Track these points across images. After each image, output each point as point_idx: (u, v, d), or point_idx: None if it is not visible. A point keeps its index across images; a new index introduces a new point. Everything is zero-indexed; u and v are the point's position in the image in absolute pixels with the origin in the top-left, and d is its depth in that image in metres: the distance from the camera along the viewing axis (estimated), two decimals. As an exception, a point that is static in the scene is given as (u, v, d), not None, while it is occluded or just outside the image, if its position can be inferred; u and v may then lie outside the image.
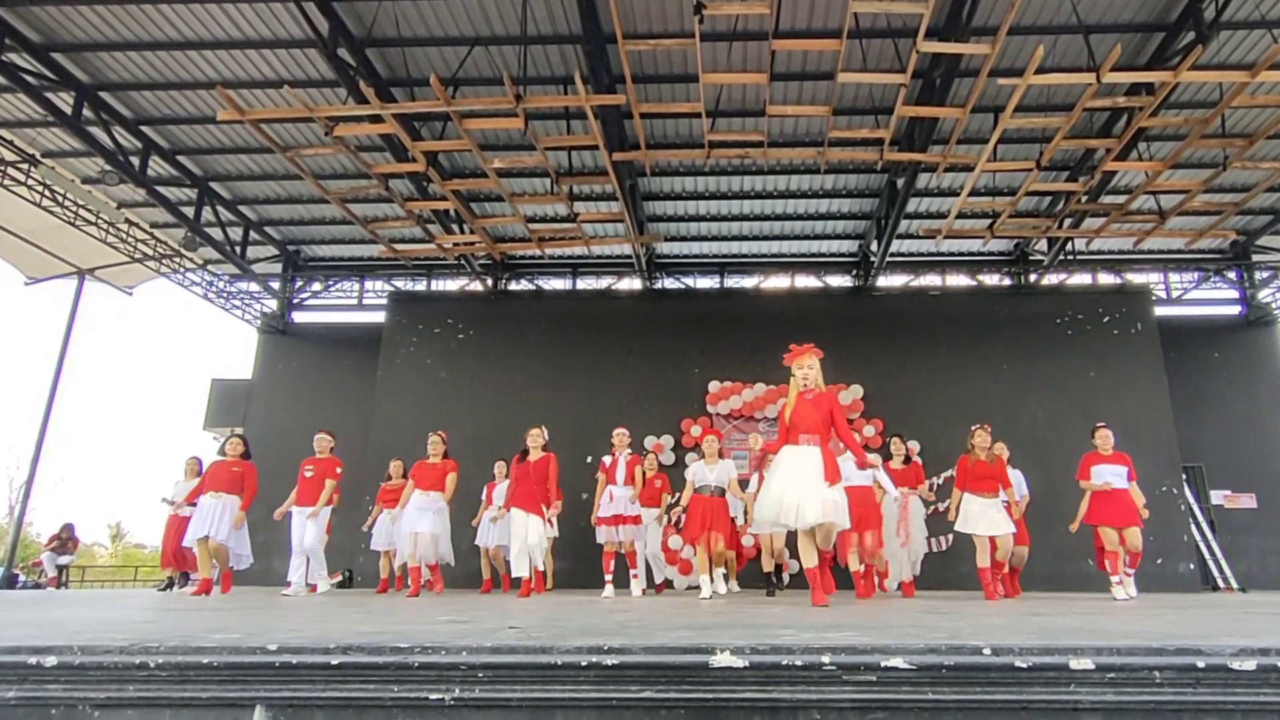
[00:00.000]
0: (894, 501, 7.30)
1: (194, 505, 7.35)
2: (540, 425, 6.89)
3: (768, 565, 7.40)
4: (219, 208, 11.57)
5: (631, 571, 7.21)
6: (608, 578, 6.88)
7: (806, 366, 4.80)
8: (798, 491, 4.45)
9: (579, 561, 10.20)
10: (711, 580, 6.50)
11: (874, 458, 6.81)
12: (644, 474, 7.55)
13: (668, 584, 9.38)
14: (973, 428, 6.83)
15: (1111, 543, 6.56)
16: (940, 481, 7.97)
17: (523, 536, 6.53)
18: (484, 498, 8.94)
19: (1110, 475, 6.68)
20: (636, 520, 7.11)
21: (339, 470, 7.62)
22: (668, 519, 8.71)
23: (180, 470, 8.83)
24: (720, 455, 6.82)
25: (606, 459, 7.27)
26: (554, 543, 8.52)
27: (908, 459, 7.94)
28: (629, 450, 7.27)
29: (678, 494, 7.64)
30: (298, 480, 7.59)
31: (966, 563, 7.61)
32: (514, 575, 6.62)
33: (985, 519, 6.50)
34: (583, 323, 12.40)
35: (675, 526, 10.01)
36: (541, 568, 6.98)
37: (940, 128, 9.33)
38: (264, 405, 13.05)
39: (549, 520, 6.77)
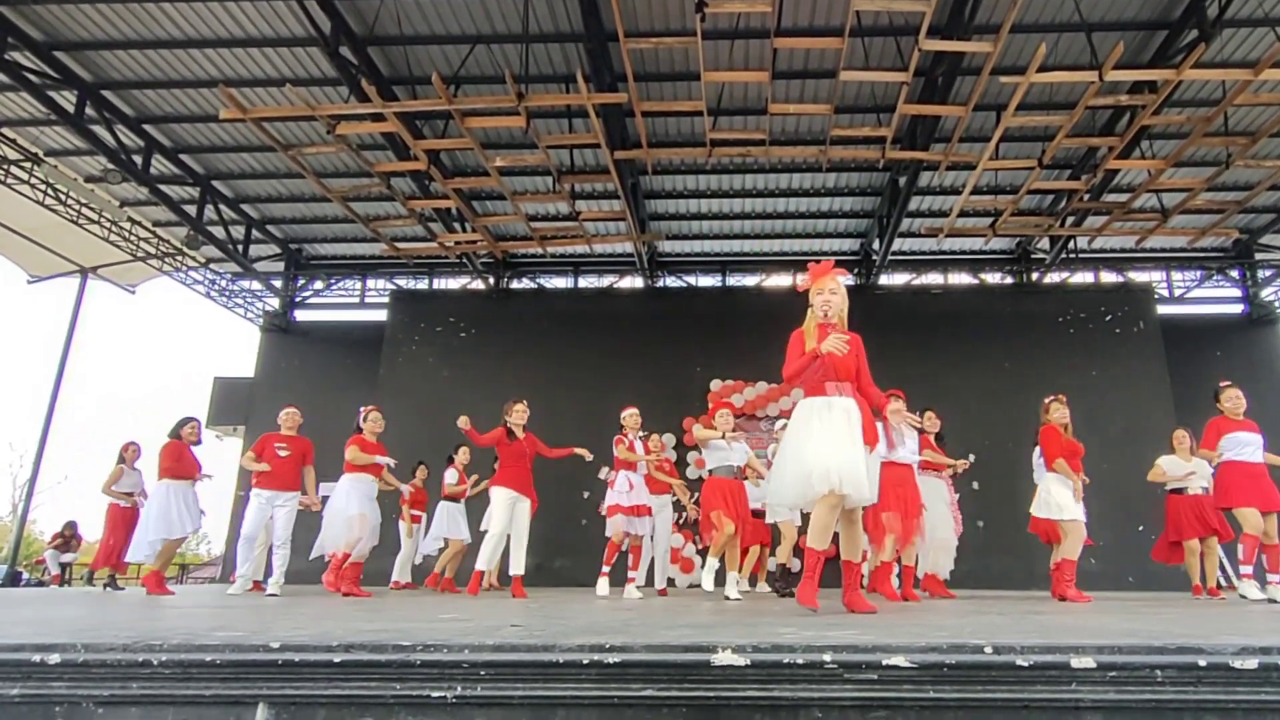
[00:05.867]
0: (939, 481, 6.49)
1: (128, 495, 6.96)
2: (522, 400, 6.44)
3: (785, 557, 6.88)
4: (221, 206, 11.58)
5: (630, 573, 6.38)
6: (605, 569, 6.31)
7: (829, 291, 3.63)
8: (843, 457, 3.33)
9: (578, 557, 10.22)
10: (718, 578, 5.74)
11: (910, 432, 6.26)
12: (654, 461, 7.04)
13: (670, 584, 8.83)
14: (1046, 400, 5.96)
15: (1256, 527, 5.50)
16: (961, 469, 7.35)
17: (524, 524, 6.17)
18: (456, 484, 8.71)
19: (1236, 447, 5.63)
20: (648, 511, 6.52)
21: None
22: (682, 514, 8.34)
23: (116, 458, 8.28)
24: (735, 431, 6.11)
25: (626, 439, 6.52)
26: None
27: (940, 437, 6.98)
28: (642, 434, 6.65)
29: (694, 494, 7.21)
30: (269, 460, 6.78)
31: (964, 560, 7.51)
32: (511, 571, 6.20)
33: (1081, 505, 5.68)
34: (584, 321, 12.40)
35: (681, 525, 9.95)
36: (522, 567, 6.20)
37: (942, 126, 9.32)
38: (266, 403, 13.04)
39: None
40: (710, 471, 5.99)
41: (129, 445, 8.37)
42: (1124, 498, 9.77)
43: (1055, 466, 5.81)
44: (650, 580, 7.77)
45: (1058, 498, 5.76)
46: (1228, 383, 5.94)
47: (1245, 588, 5.63)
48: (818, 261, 3.85)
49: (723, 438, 5.88)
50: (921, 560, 6.79)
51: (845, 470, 3.31)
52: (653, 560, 7.76)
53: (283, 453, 6.74)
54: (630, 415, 6.64)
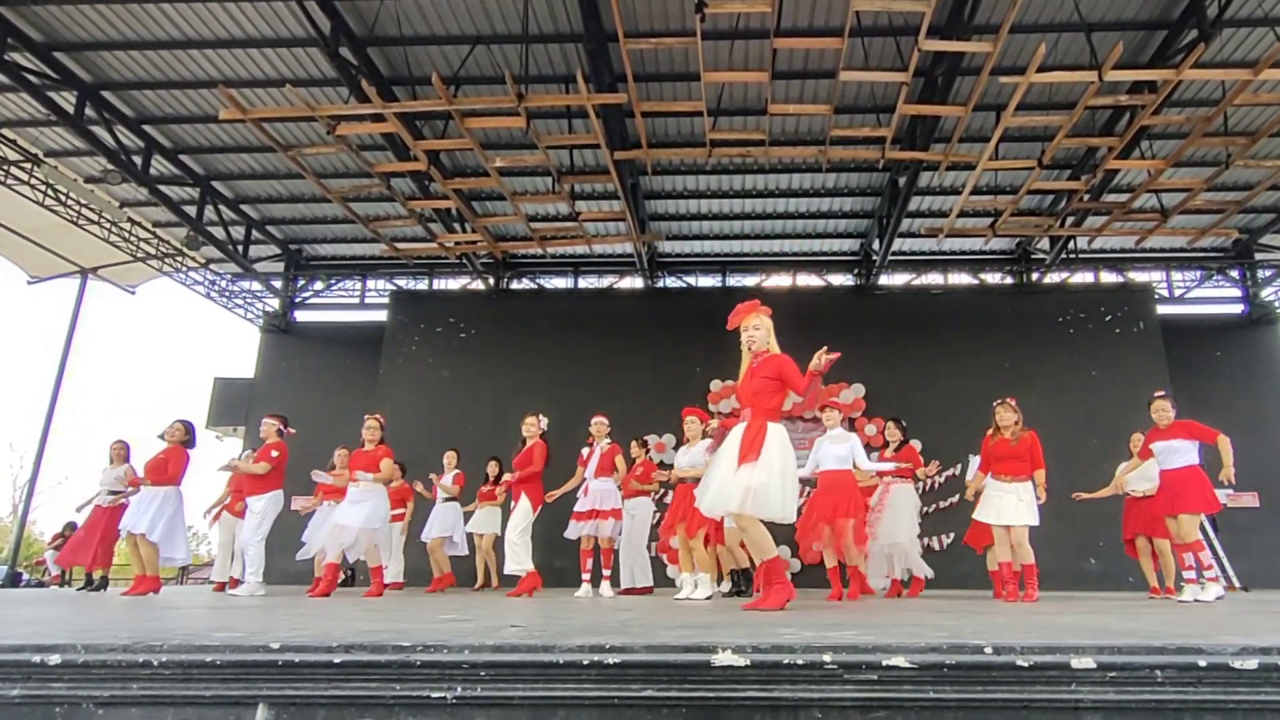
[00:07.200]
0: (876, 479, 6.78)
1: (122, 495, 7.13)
2: (536, 414, 6.53)
3: (729, 562, 6.88)
4: (221, 207, 11.58)
5: (605, 571, 6.65)
6: (584, 576, 6.61)
7: (752, 328, 4.04)
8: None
9: (578, 557, 10.20)
10: (698, 580, 5.78)
11: (845, 432, 6.34)
12: (628, 461, 7.08)
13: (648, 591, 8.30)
14: (994, 403, 6.07)
15: (1170, 539, 6.01)
16: (954, 472, 7.55)
17: (509, 525, 6.38)
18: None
19: (1163, 454, 5.92)
20: (616, 514, 6.65)
21: (274, 454, 6.85)
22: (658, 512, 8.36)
23: (105, 456, 8.14)
24: (705, 437, 6.22)
25: (585, 450, 6.78)
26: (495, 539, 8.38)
27: (901, 444, 7.26)
28: (608, 440, 6.75)
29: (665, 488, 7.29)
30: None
31: (967, 560, 7.54)
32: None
33: (997, 505, 5.74)
34: (585, 322, 12.41)
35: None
36: (526, 565, 6.31)
37: (942, 126, 9.32)
38: (266, 404, 13.02)
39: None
40: (679, 477, 6.23)
41: (114, 444, 8.21)
42: (1123, 498, 9.75)
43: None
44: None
45: (981, 498, 5.99)
46: (1160, 393, 6.19)
47: (1186, 591, 5.90)
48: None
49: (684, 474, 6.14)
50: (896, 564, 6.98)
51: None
52: (630, 561, 7.81)
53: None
54: (596, 424, 6.72)
